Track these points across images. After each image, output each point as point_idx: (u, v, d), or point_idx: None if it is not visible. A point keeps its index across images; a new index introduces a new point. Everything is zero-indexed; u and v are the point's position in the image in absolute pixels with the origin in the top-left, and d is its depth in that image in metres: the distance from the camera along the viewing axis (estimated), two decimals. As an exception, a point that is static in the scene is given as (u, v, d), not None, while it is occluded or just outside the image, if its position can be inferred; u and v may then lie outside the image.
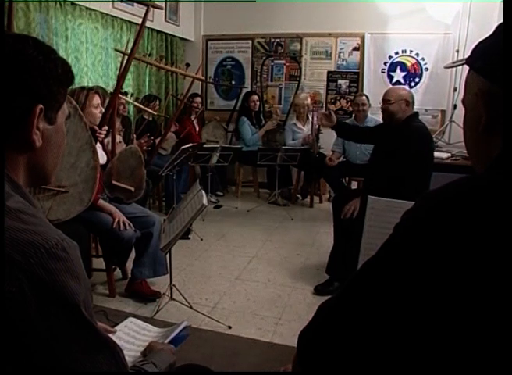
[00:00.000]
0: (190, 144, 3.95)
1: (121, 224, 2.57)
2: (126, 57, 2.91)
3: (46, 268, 0.59)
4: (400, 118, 2.80)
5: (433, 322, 0.58)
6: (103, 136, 2.71)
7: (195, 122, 5.28)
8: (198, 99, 5.22)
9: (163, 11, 5.06)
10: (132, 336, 1.34)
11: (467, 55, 0.71)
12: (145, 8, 2.88)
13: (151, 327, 1.42)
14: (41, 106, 0.69)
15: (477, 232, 0.56)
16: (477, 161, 0.72)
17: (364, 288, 0.65)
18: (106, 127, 2.72)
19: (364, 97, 4.55)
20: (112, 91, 3.30)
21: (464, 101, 0.72)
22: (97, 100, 2.64)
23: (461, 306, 0.56)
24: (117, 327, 1.36)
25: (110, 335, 1.24)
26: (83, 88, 2.74)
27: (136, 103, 3.93)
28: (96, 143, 2.53)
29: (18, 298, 0.57)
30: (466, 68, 0.70)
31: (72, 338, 0.62)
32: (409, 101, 2.79)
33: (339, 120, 3.26)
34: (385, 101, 2.83)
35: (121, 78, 2.89)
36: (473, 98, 0.68)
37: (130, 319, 1.44)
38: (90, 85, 3.65)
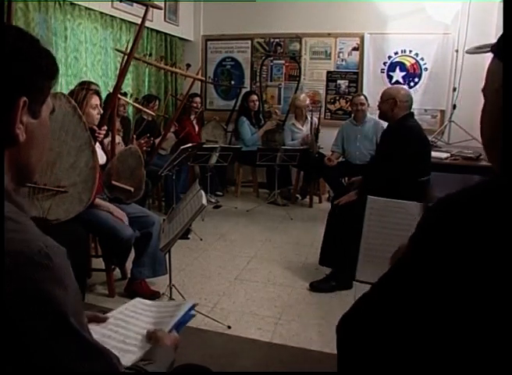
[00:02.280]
0: (190, 144, 3.95)
1: (123, 219, 2.62)
2: (126, 57, 2.91)
3: (28, 277, 0.57)
4: (391, 117, 2.88)
5: (450, 317, 0.58)
6: (102, 136, 2.70)
7: (194, 122, 5.28)
8: (198, 99, 5.21)
9: (162, 11, 5.05)
10: (139, 313, 1.29)
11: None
12: (144, 8, 2.88)
13: (159, 303, 1.38)
14: (25, 99, 0.66)
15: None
16: (494, 158, 0.68)
17: (400, 286, 0.65)
18: (105, 127, 2.72)
19: (362, 97, 4.56)
20: (111, 91, 3.30)
21: (484, 91, 0.68)
22: (95, 101, 2.64)
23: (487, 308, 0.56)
24: (123, 306, 1.33)
25: (114, 314, 1.22)
26: (82, 84, 2.73)
27: (134, 103, 3.92)
28: (95, 143, 2.52)
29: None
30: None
31: (61, 348, 0.60)
32: (397, 101, 2.81)
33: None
34: (380, 99, 2.95)
35: (120, 78, 2.89)
36: (496, 88, 0.63)
37: (138, 299, 1.39)
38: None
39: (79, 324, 0.62)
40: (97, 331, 1.10)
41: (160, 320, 1.25)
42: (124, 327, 1.19)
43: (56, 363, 0.59)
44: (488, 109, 0.67)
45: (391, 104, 2.83)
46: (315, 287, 2.90)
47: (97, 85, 3.62)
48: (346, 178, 4.78)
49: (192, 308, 1.34)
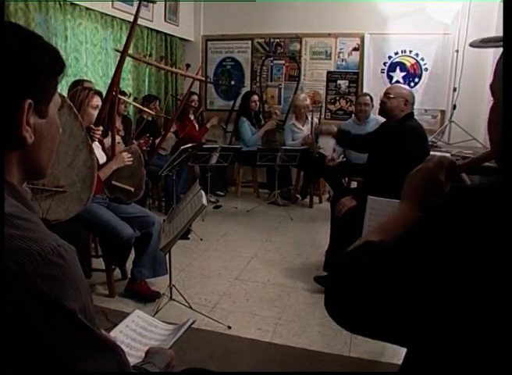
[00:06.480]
0: (190, 145, 3.95)
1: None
2: (125, 56, 2.89)
3: (42, 276, 0.58)
4: (395, 115, 2.86)
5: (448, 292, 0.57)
6: (98, 135, 2.68)
7: (194, 121, 5.28)
8: (195, 97, 5.23)
9: (162, 11, 5.06)
10: (139, 333, 1.32)
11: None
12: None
13: (158, 323, 1.41)
14: (30, 101, 0.65)
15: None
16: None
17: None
18: (101, 127, 2.69)
19: (367, 97, 4.56)
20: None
21: (492, 87, 0.66)
22: (97, 101, 2.63)
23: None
24: (124, 322, 1.34)
25: (116, 334, 1.25)
26: (75, 82, 2.71)
27: (134, 103, 3.92)
28: (92, 142, 2.51)
29: (16, 306, 0.56)
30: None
31: (72, 344, 0.61)
32: (408, 101, 2.82)
33: (340, 129, 3.31)
34: (386, 94, 2.89)
35: (115, 76, 2.83)
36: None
37: (137, 312, 1.42)
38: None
39: (89, 320, 0.63)
40: None
41: (161, 341, 1.28)
42: (127, 345, 1.23)
43: (69, 358, 0.61)
44: (497, 106, 0.66)
45: (400, 102, 2.81)
46: (319, 281, 2.88)
47: (91, 82, 3.61)
48: (347, 178, 4.80)
49: (192, 324, 1.36)
